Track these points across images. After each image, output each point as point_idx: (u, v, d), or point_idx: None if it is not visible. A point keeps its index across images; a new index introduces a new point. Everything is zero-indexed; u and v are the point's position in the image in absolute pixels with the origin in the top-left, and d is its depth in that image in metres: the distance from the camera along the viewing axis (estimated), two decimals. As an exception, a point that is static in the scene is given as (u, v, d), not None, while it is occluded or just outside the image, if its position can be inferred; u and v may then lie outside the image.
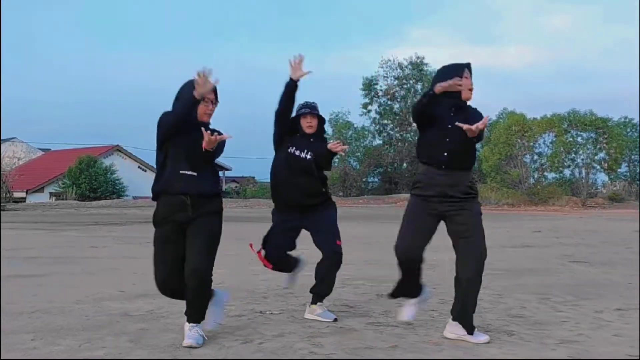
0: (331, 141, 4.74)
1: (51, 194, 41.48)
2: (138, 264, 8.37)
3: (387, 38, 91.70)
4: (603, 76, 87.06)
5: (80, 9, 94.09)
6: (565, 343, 4.04)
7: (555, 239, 12.96)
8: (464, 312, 4.04)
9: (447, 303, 5.17)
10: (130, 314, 4.93)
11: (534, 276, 7.23)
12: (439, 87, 3.97)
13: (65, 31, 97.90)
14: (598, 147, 35.62)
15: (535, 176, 36.82)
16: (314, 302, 4.78)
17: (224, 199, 4.21)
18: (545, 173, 37.17)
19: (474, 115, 4.11)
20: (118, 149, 45.28)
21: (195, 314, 3.98)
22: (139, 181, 42.55)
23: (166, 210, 3.97)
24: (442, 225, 4.15)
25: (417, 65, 45.62)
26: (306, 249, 5.06)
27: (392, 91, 45.81)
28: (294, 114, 4.80)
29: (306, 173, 4.71)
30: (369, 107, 46.05)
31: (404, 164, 45.26)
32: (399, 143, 45.47)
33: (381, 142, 46.50)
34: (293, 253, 4.92)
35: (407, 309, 4.37)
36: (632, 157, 42.18)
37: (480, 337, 4.02)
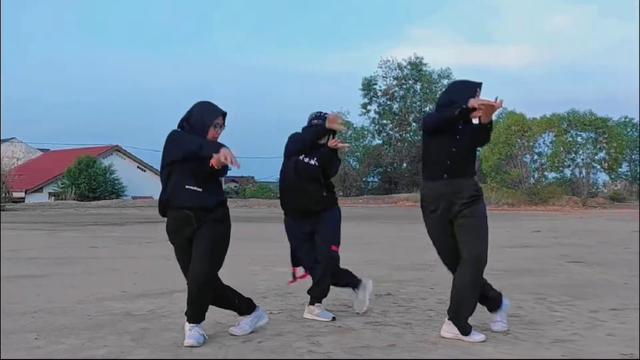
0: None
1: (50, 194, 41.41)
2: (138, 264, 8.44)
3: (386, 38, 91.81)
4: (603, 75, 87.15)
5: (80, 8, 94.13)
6: (560, 342, 4.11)
7: (553, 239, 13.02)
8: (457, 314, 4.13)
9: (445, 303, 5.23)
10: (131, 314, 5.00)
11: (531, 276, 7.30)
12: (476, 104, 3.97)
13: (65, 31, 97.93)
14: (598, 147, 35.71)
15: (536, 176, 36.90)
16: (311, 302, 4.86)
17: (228, 209, 4.27)
18: (546, 173, 37.27)
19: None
20: (117, 149, 45.27)
21: (196, 315, 4.05)
22: (138, 181, 42.60)
23: (175, 226, 4.08)
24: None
25: (416, 66, 45.70)
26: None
27: (391, 91, 45.89)
28: (306, 123, 4.96)
29: (313, 179, 4.83)
30: (368, 107, 46.16)
31: (404, 164, 45.33)
32: (399, 143, 45.53)
33: (380, 142, 46.59)
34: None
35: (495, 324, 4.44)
36: (633, 156, 42.23)
37: (476, 336, 4.09)
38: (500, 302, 4.48)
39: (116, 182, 40.78)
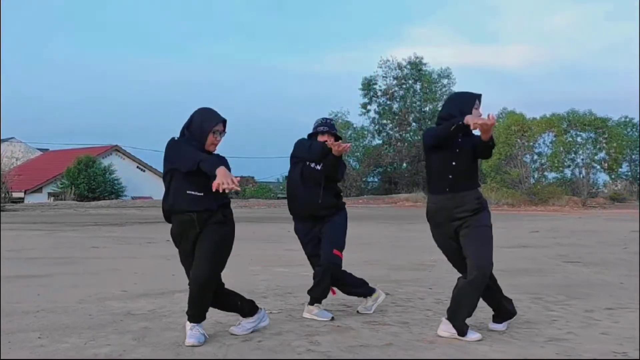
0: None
1: (50, 194, 41.31)
2: (139, 264, 8.49)
3: (386, 38, 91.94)
4: (603, 75, 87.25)
5: (81, 8, 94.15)
6: (554, 341, 4.18)
7: (552, 239, 13.09)
8: (455, 314, 4.20)
9: (442, 303, 5.32)
10: (133, 313, 5.06)
11: (528, 276, 7.37)
12: (471, 122, 3.98)
13: (65, 30, 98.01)
14: (598, 147, 35.76)
15: (535, 176, 36.95)
16: (311, 303, 4.94)
17: (231, 212, 4.33)
18: (546, 173, 37.32)
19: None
20: (116, 149, 45.20)
21: (197, 315, 4.12)
22: (137, 181, 42.55)
23: (179, 230, 4.14)
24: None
25: (416, 65, 45.76)
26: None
27: (391, 91, 45.95)
28: (311, 130, 5.04)
29: (319, 184, 4.89)
30: (368, 107, 46.23)
31: (404, 164, 45.38)
32: (399, 143, 45.58)
33: (380, 142, 46.64)
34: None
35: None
36: (633, 156, 42.29)
37: (472, 336, 4.17)
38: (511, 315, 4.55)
39: (116, 182, 40.74)
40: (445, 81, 46.00)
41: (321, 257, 4.86)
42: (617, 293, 6.14)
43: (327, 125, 5.00)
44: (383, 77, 46.08)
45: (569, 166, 36.85)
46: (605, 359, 3.79)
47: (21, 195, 39.48)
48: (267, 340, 4.18)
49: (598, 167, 36.79)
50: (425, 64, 45.88)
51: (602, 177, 39.29)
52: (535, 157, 37.23)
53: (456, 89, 42.54)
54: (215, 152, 4.21)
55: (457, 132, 4.09)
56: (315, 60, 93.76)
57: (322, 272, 4.83)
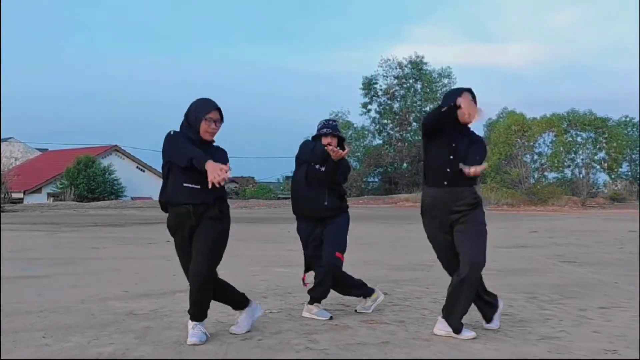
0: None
1: (49, 194, 41.22)
2: (139, 265, 8.58)
3: (386, 37, 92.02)
4: (603, 75, 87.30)
5: (80, 7, 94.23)
6: (546, 339, 4.28)
7: (549, 239, 13.18)
8: (450, 313, 4.30)
9: (439, 302, 5.41)
10: (134, 313, 5.16)
11: (524, 276, 7.47)
12: (460, 100, 4.16)
13: (65, 30, 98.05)
14: (598, 147, 35.84)
15: (536, 176, 37.03)
16: (311, 302, 5.03)
17: (228, 208, 4.42)
18: (546, 173, 37.41)
19: (477, 144, 4.40)
20: (116, 149, 45.20)
21: (198, 313, 4.21)
22: (137, 181, 42.48)
23: (175, 221, 4.24)
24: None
25: (417, 65, 45.82)
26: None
27: (391, 90, 46.01)
28: (315, 132, 5.12)
29: (323, 186, 4.98)
30: (369, 107, 46.29)
31: (404, 164, 45.44)
32: (399, 143, 45.64)
33: (381, 142, 46.69)
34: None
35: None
36: (633, 156, 42.35)
37: (466, 334, 4.26)
38: (496, 307, 4.64)
39: (115, 182, 40.74)
40: (445, 80, 46.08)
41: (323, 258, 4.94)
42: (611, 292, 6.24)
43: (330, 127, 5.08)
44: (384, 76, 46.20)
45: (569, 166, 36.97)
46: (596, 358, 3.87)
47: (20, 195, 39.44)
48: (266, 339, 4.28)
49: (598, 167, 36.88)
50: (425, 64, 45.99)
51: (602, 177, 39.42)
52: (535, 157, 37.36)
53: (456, 88, 42.49)
54: (215, 145, 4.30)
55: (449, 112, 4.20)
56: (315, 60, 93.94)
57: (324, 273, 4.92)
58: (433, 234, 4.44)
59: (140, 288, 6.42)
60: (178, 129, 4.28)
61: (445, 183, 4.32)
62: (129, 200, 37.42)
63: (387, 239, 13.50)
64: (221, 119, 4.27)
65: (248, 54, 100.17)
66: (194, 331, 4.17)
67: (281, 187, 45.96)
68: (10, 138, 47.98)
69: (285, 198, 37.65)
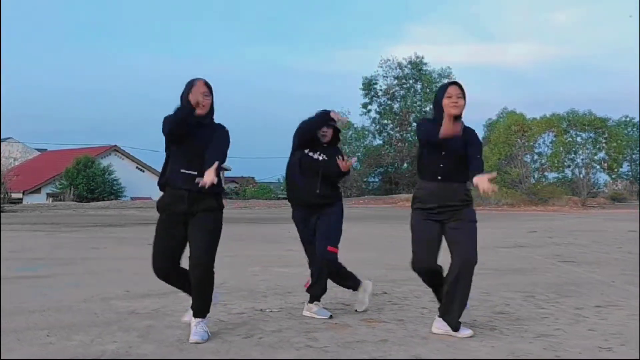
0: (339, 157, 5.02)
1: (48, 194, 41.20)
2: (140, 265, 8.59)
3: (386, 36, 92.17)
4: (604, 75, 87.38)
5: (80, 6, 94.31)
6: (542, 337, 4.35)
7: (548, 238, 13.24)
8: (448, 311, 4.37)
9: (437, 301, 5.47)
10: (137, 312, 5.23)
11: (521, 275, 7.54)
12: (442, 134, 4.25)
13: (65, 29, 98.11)
14: (597, 147, 35.91)
15: (536, 176, 37.10)
16: (310, 301, 5.10)
17: (223, 200, 4.50)
18: (546, 173, 37.48)
19: (471, 138, 4.44)
20: (116, 149, 45.21)
21: (201, 308, 4.28)
22: (137, 181, 42.43)
23: (168, 201, 4.34)
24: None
25: (417, 65, 45.92)
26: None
27: (391, 91, 46.10)
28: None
29: (317, 173, 5.04)
30: (369, 107, 46.40)
31: (404, 164, 45.53)
32: (399, 143, 45.74)
33: (381, 142, 46.78)
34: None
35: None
36: (633, 156, 42.42)
37: (464, 332, 4.33)
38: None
39: (115, 182, 40.73)
40: (445, 81, 46.12)
41: (318, 254, 4.99)
42: (608, 291, 6.31)
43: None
44: (383, 76, 46.34)
45: (569, 166, 37.04)
46: (590, 356, 3.94)
47: (20, 195, 39.44)
48: (267, 337, 4.35)
49: (598, 167, 36.94)
50: (425, 64, 46.09)
51: (602, 177, 39.52)
52: (535, 157, 37.45)
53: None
54: (217, 123, 4.40)
55: (438, 143, 4.32)
56: (315, 60, 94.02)
57: (319, 270, 5.00)
58: (421, 219, 4.42)
59: (141, 288, 6.47)
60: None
61: (439, 178, 4.40)
62: (129, 201, 37.43)
63: (387, 238, 13.57)
64: (210, 92, 4.35)
65: (248, 54, 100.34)
66: (196, 329, 4.24)
67: (281, 187, 45.99)
68: (9, 138, 47.97)
69: (285, 198, 37.64)
